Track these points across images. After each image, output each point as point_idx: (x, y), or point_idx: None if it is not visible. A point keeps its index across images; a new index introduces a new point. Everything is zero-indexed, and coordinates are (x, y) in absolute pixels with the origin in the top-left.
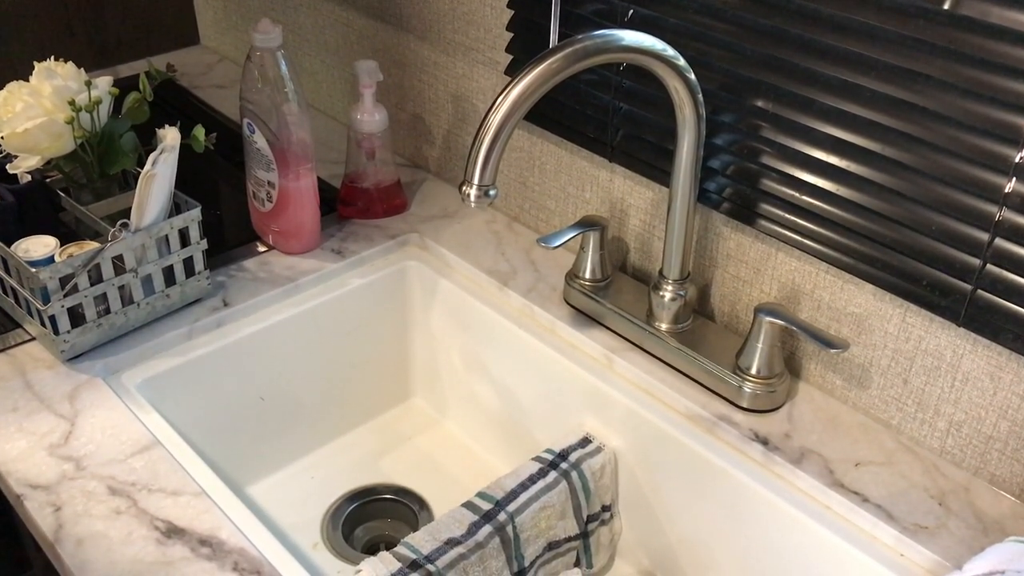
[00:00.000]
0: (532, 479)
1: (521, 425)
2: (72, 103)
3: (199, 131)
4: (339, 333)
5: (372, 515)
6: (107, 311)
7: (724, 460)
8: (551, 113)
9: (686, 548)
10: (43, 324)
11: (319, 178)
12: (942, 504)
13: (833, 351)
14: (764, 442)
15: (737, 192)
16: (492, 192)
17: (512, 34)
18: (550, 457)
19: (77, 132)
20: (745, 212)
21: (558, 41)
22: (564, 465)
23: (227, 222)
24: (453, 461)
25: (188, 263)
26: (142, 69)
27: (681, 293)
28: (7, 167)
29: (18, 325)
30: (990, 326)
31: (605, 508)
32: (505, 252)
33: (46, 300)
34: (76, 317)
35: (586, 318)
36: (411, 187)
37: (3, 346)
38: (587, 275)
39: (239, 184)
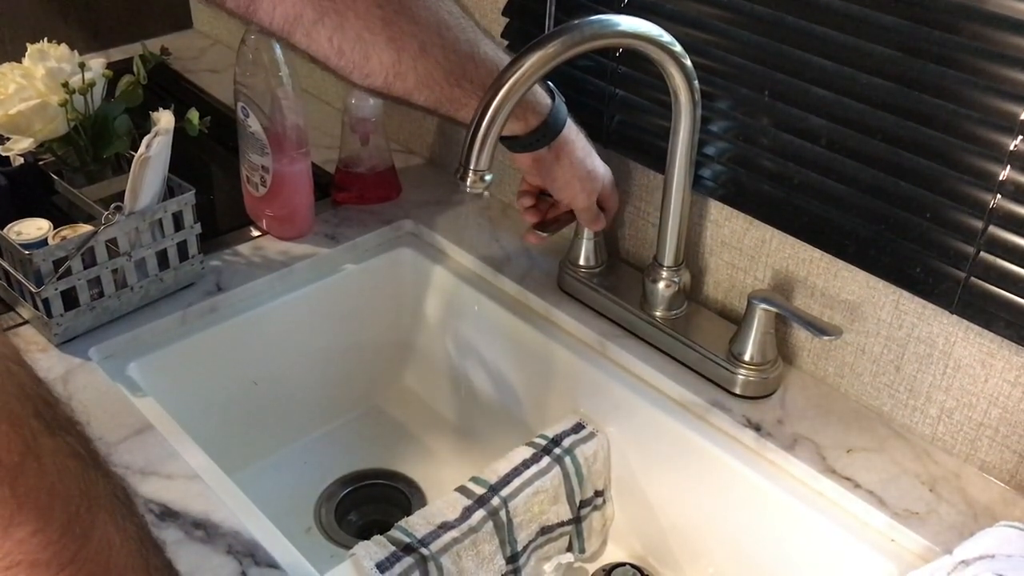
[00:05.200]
0: (525, 464)
1: (514, 410)
2: (65, 85)
3: (193, 115)
4: (333, 318)
5: (365, 500)
6: (101, 294)
7: (717, 446)
8: None
9: (678, 533)
10: (36, 307)
11: (313, 163)
12: (933, 490)
13: (826, 338)
14: (757, 428)
15: (732, 179)
16: (488, 177)
17: (508, 19)
18: (543, 442)
19: (70, 115)
20: (740, 199)
21: (554, 26)
22: (557, 450)
23: (221, 206)
24: (446, 446)
25: (182, 247)
26: (135, 52)
27: (675, 280)
28: None
29: (11, 308)
30: (983, 313)
31: (598, 493)
32: (499, 238)
33: (39, 283)
34: (69, 300)
35: (580, 304)
36: (405, 173)
37: None
38: (581, 261)
39: (233, 168)
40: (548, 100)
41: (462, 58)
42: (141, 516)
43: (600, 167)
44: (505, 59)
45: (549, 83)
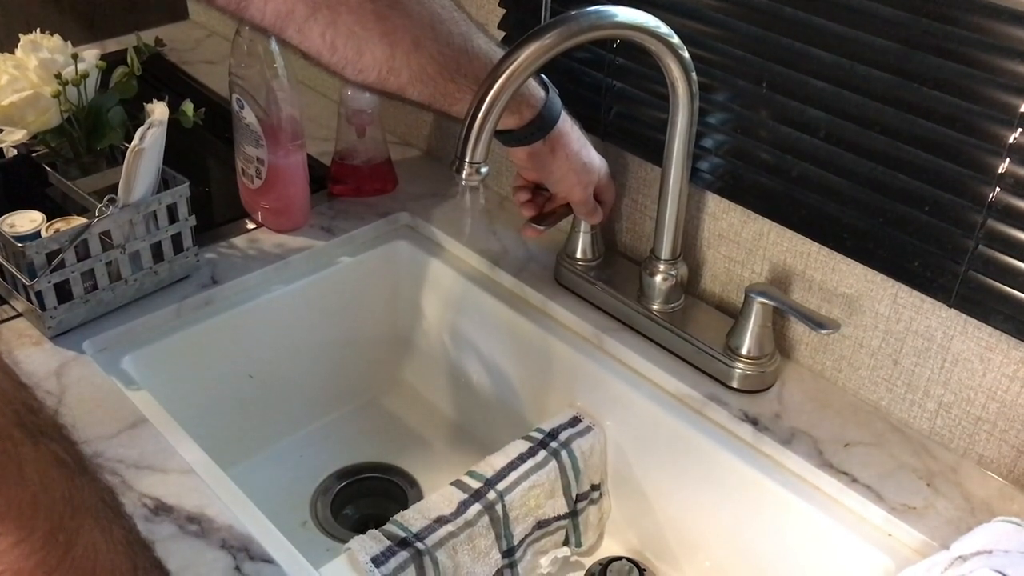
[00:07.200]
0: (522, 458)
1: (511, 404)
2: (59, 76)
3: (188, 106)
4: (329, 311)
5: (361, 493)
6: (94, 287)
7: (714, 440)
8: None
9: (675, 528)
10: (30, 300)
11: (309, 155)
12: (930, 485)
13: (824, 332)
14: (754, 422)
15: (730, 172)
16: (483, 170)
17: (504, 10)
18: (540, 436)
19: (64, 106)
20: (737, 192)
21: (551, 17)
22: (554, 444)
23: (216, 199)
24: (442, 440)
25: (176, 239)
26: (130, 43)
27: (672, 273)
28: None
29: (4, 301)
30: (981, 307)
31: (594, 487)
32: (496, 231)
33: (32, 276)
34: (63, 293)
35: (577, 298)
36: (402, 165)
37: None
38: (578, 255)
39: (228, 160)
40: (542, 93)
41: (456, 52)
42: (128, 517)
43: (596, 159)
44: (499, 52)
45: (542, 76)
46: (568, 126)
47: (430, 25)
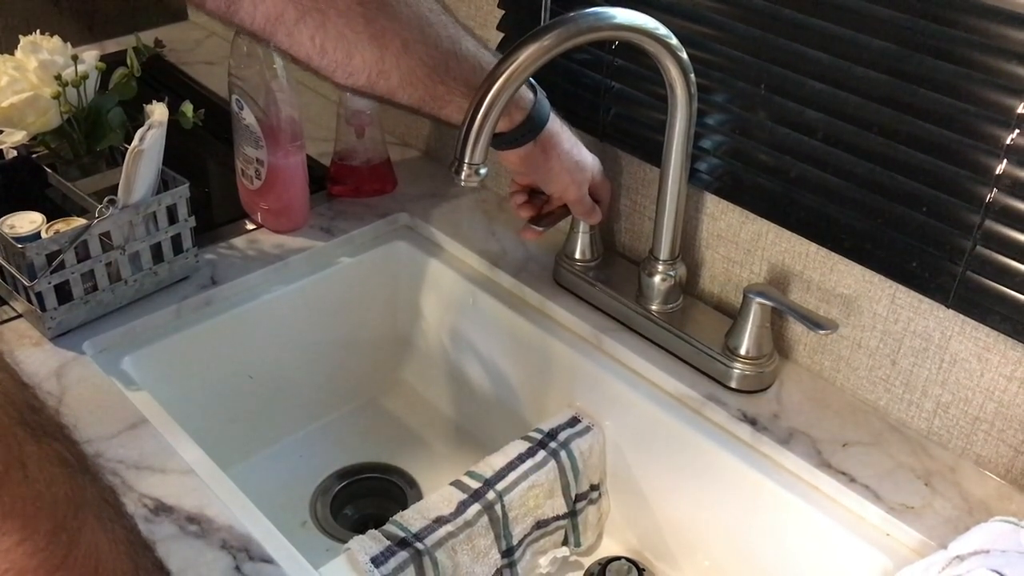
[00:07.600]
0: (521, 458)
1: (510, 404)
2: (58, 78)
3: (187, 107)
4: (328, 311)
5: (361, 494)
6: (94, 288)
7: (712, 440)
8: None
9: (673, 528)
10: (30, 301)
11: (308, 156)
12: (928, 484)
13: (822, 332)
14: (752, 422)
15: (728, 172)
16: (482, 171)
17: (503, 11)
18: (539, 436)
19: (63, 107)
20: (736, 192)
21: (550, 18)
22: (553, 444)
23: (215, 199)
24: (442, 440)
25: (176, 240)
26: (130, 44)
27: (671, 274)
28: None
29: (4, 302)
30: (979, 308)
31: (593, 487)
32: (495, 232)
33: (32, 277)
34: (63, 294)
35: (576, 298)
36: (401, 166)
37: None
38: (577, 255)
39: (228, 161)
40: (531, 95)
41: (444, 55)
42: (130, 517)
43: (588, 157)
44: (487, 55)
45: (530, 78)
46: (558, 126)
47: (419, 28)
